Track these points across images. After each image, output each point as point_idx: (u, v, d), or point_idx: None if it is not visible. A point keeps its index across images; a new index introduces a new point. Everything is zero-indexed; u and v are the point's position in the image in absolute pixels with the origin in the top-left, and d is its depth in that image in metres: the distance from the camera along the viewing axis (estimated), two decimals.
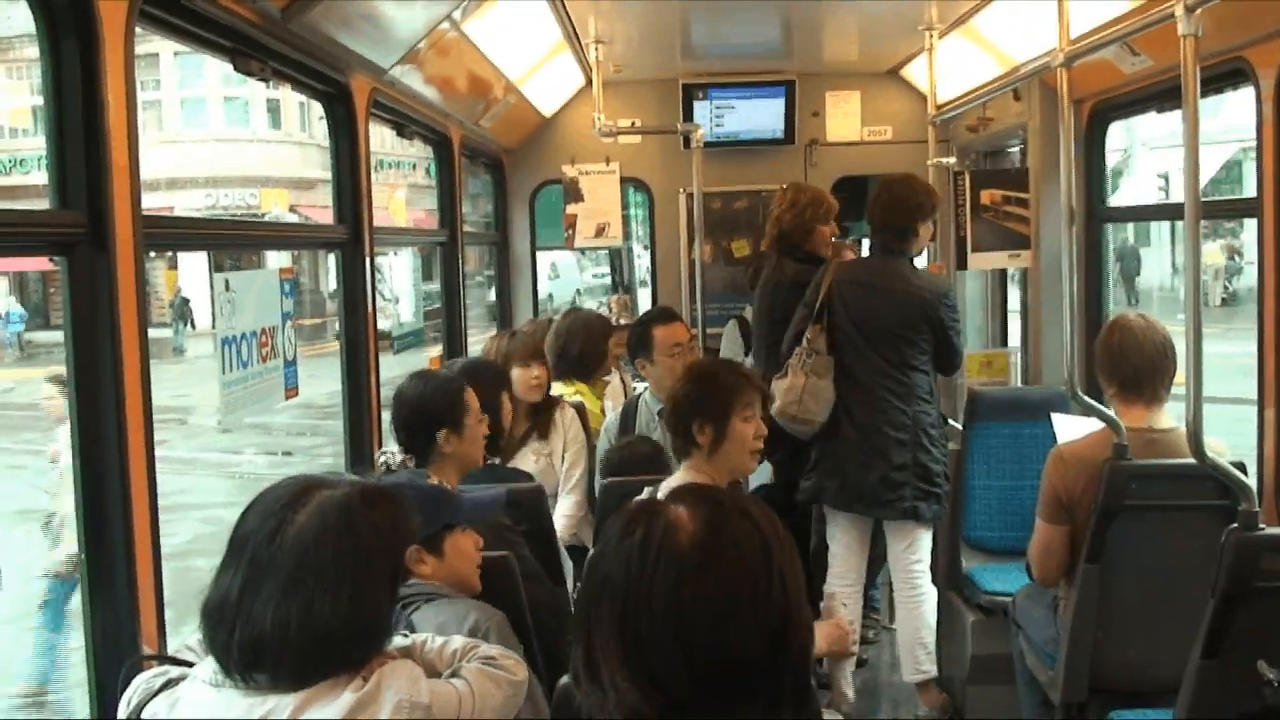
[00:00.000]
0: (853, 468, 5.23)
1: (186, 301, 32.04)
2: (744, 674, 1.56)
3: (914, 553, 5.37)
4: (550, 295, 25.43)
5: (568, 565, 4.49)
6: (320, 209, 30.02)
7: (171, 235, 3.64)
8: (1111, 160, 7.44)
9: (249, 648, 2.05)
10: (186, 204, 31.25)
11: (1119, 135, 26.40)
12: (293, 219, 30.44)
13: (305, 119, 36.48)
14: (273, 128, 37.46)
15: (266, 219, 28.95)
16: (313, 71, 4.14)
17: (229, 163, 34.96)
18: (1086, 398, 4.32)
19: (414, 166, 32.74)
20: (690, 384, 3.85)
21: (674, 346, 5.30)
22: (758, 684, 1.58)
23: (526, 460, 5.14)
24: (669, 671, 1.54)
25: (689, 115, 7.67)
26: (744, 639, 1.56)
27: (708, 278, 7.28)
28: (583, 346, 5.87)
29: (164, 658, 2.39)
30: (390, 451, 3.94)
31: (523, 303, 8.01)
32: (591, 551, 3.71)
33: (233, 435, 16.75)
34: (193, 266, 32.32)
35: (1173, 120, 4.09)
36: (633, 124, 7.57)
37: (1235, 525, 3.23)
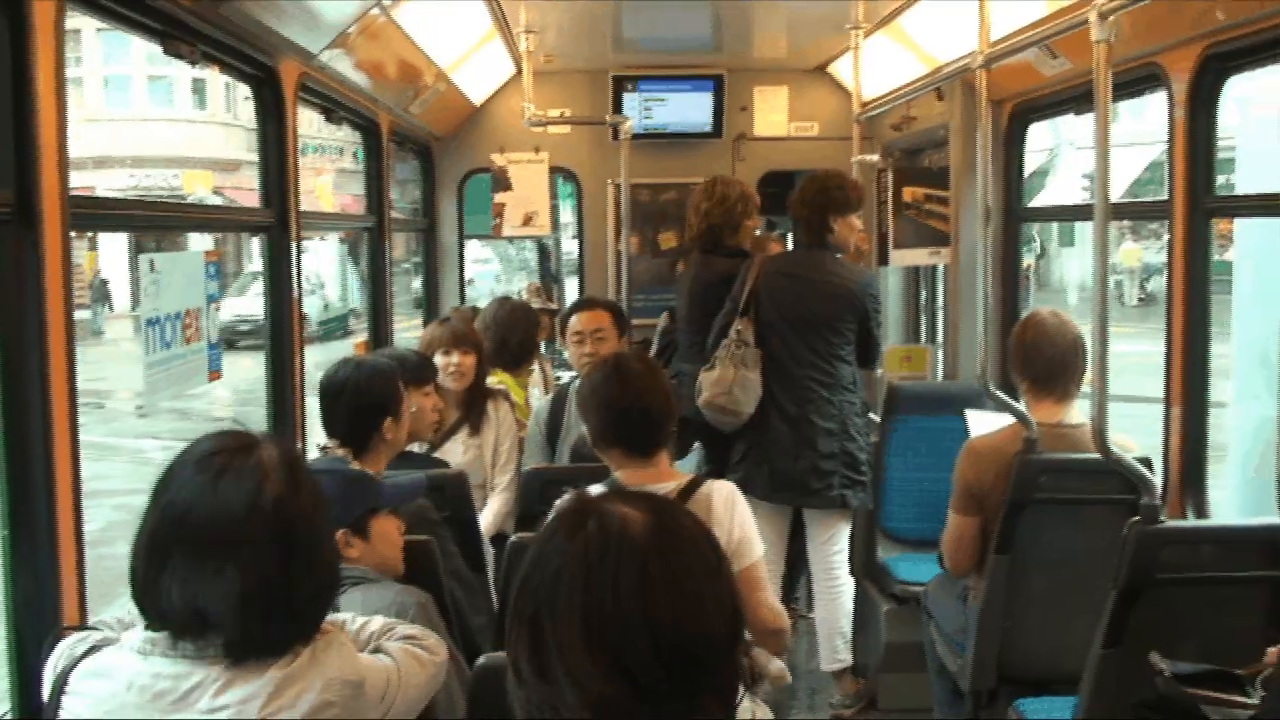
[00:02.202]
0: (781, 457, 5.28)
1: (106, 283, 31.55)
2: (708, 658, 1.59)
3: (834, 544, 5.46)
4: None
5: (489, 552, 4.51)
6: (245, 191, 29.70)
7: (99, 215, 3.61)
8: (1037, 160, 7.55)
9: (194, 616, 2.01)
10: (108, 184, 30.72)
11: (1046, 135, 26.72)
12: (217, 201, 30.07)
13: (230, 100, 36.03)
14: (198, 108, 36.96)
15: (190, 201, 28.53)
16: (241, 55, 4.10)
17: (152, 142, 34.44)
18: (999, 393, 4.41)
19: (341, 151, 32.47)
20: None
21: (574, 334, 5.39)
22: (718, 669, 1.61)
23: (455, 449, 5.08)
24: (638, 658, 1.56)
25: (619, 107, 7.68)
26: (709, 623, 1.60)
27: (635, 269, 7.30)
28: (521, 336, 5.87)
29: (86, 628, 2.39)
30: (329, 445, 3.75)
31: (449, 290, 8.00)
32: (513, 539, 3.72)
33: (150, 420, 16.54)
34: (112, 248, 31.82)
35: None
36: (562, 114, 7.57)
37: (1137, 518, 3.34)
